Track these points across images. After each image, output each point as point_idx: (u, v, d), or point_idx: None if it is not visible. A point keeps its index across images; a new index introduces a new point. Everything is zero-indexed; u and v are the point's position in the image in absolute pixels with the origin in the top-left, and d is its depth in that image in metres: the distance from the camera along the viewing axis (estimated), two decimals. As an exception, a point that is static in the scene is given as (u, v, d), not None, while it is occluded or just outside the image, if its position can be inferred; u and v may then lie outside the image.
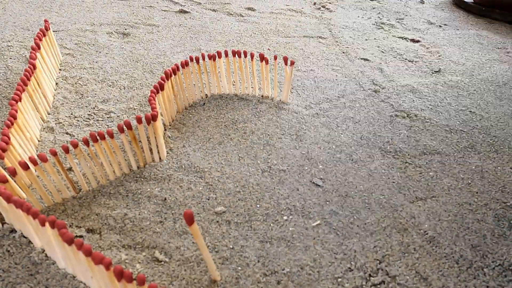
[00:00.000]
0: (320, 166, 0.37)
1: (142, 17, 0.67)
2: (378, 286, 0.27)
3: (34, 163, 0.30)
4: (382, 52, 0.61)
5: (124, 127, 0.33)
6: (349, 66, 0.55)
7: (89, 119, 0.42)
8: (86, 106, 0.44)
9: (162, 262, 0.28)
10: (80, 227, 0.30)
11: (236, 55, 0.44)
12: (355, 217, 0.32)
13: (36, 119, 0.39)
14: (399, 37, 0.67)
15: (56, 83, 0.47)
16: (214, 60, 0.44)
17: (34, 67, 0.41)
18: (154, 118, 0.34)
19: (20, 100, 0.36)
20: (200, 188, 0.34)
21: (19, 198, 0.26)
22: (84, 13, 0.68)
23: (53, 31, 0.59)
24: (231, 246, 0.29)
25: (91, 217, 0.31)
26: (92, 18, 0.66)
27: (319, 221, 0.32)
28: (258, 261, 0.28)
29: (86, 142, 0.32)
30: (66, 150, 0.30)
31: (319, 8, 0.78)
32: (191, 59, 0.43)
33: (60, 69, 0.50)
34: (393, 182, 0.36)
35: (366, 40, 0.65)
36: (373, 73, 0.54)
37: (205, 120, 0.42)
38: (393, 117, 0.44)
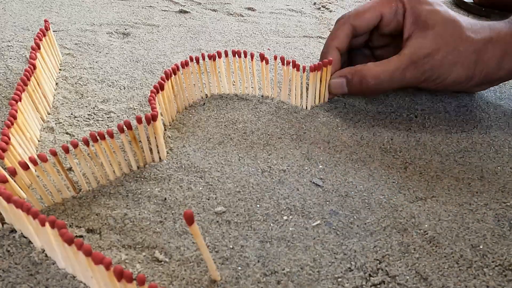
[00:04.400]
0: (320, 166, 0.37)
1: (142, 17, 0.68)
2: (378, 286, 0.27)
3: (34, 163, 0.30)
4: (382, 52, 0.60)
5: (124, 127, 0.33)
6: (349, 66, 0.55)
7: (89, 119, 0.42)
8: (86, 106, 0.44)
9: (162, 262, 0.28)
10: (80, 227, 0.30)
11: (236, 55, 0.44)
12: (355, 217, 0.32)
13: (36, 119, 0.39)
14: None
15: (56, 83, 0.47)
16: (214, 60, 0.44)
17: (34, 67, 0.41)
18: (154, 118, 0.34)
19: (20, 100, 0.36)
20: (200, 188, 0.34)
21: (19, 198, 0.26)
22: (84, 13, 0.68)
23: (53, 31, 0.59)
24: (231, 246, 0.29)
25: (91, 217, 0.31)
26: (92, 18, 0.66)
27: (319, 221, 0.32)
28: (258, 261, 0.28)
29: (86, 142, 0.32)
30: (66, 150, 0.30)
31: (319, 8, 0.78)
32: (191, 59, 0.43)
33: (60, 69, 0.50)
34: (393, 182, 0.36)
35: (366, 40, 0.65)
36: (373, 73, 0.53)
37: (205, 120, 0.42)
38: (393, 117, 0.44)
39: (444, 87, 0.42)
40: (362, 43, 0.48)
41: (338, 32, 0.45)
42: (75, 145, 0.31)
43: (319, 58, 0.49)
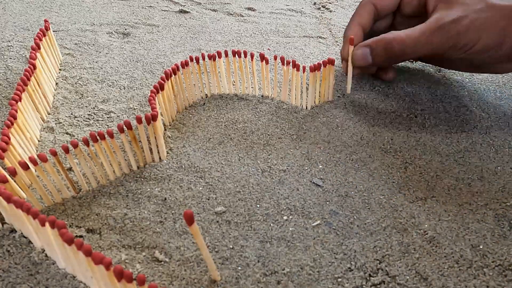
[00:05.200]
0: (320, 166, 0.37)
1: (142, 17, 0.68)
2: (378, 286, 0.27)
3: (34, 163, 0.30)
4: (382, 52, 0.60)
5: (124, 127, 0.33)
6: (349, 66, 0.55)
7: (89, 119, 0.42)
8: (86, 106, 0.44)
9: (162, 262, 0.28)
10: (80, 227, 0.30)
11: (236, 55, 0.44)
12: (355, 217, 0.32)
13: (36, 119, 0.39)
14: (399, 37, 0.67)
15: (56, 83, 0.47)
16: (214, 60, 0.44)
17: (34, 67, 0.41)
18: (154, 118, 0.34)
19: (20, 100, 0.36)
20: (200, 188, 0.34)
21: (19, 198, 0.26)
22: (84, 13, 0.68)
23: (53, 31, 0.59)
24: (231, 246, 0.29)
25: (91, 217, 0.31)
26: (92, 18, 0.66)
27: (319, 221, 0.32)
28: (258, 261, 0.28)
29: (86, 142, 0.32)
30: (66, 150, 0.30)
31: (319, 8, 0.78)
32: (191, 59, 0.43)
33: (60, 69, 0.50)
34: (393, 182, 0.36)
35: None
36: (373, 73, 0.54)
37: (205, 120, 0.42)
38: (393, 117, 0.44)
39: (472, 56, 0.41)
40: (385, 28, 0.48)
41: (360, 11, 0.45)
42: (75, 145, 0.31)
43: (319, 58, 0.49)
